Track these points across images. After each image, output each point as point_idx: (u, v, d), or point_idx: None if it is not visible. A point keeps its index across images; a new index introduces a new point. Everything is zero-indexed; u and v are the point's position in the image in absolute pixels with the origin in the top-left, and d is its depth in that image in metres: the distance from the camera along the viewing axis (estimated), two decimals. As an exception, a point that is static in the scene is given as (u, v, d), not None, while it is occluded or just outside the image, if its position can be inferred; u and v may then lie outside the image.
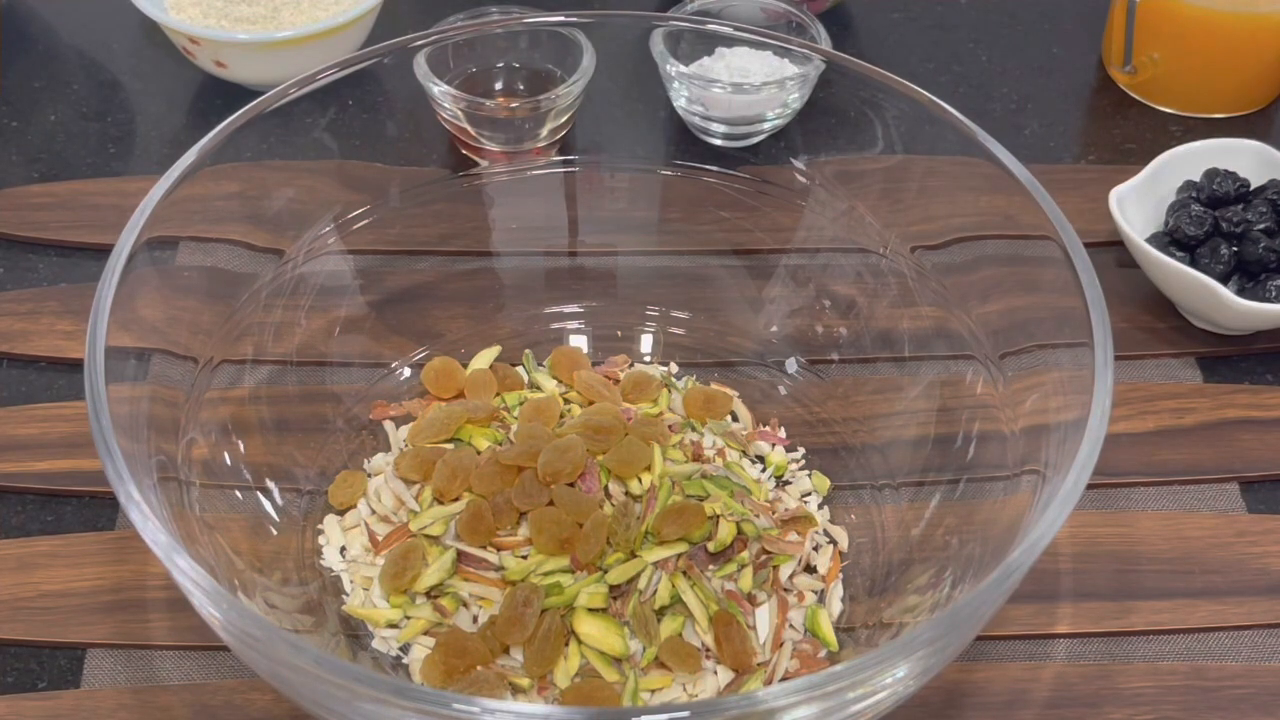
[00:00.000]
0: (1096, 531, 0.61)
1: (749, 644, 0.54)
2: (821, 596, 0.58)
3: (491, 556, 0.57)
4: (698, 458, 0.61)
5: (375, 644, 0.56)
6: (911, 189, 0.63)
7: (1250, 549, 0.60)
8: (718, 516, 0.57)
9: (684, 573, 0.56)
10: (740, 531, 0.57)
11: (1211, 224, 0.68)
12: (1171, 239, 0.69)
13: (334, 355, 0.64)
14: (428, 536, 0.58)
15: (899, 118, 0.61)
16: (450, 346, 0.66)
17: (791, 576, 0.58)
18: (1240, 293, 0.66)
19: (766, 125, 0.74)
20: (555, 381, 0.65)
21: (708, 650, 0.55)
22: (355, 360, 0.65)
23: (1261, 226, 0.68)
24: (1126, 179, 0.70)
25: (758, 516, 0.58)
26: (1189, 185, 0.71)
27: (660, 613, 0.55)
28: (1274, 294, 0.66)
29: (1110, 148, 0.80)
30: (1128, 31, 0.80)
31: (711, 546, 0.57)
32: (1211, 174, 0.70)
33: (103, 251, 0.52)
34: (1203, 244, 0.68)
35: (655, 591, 0.55)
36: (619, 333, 0.68)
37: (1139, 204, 0.70)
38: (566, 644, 0.54)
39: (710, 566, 0.56)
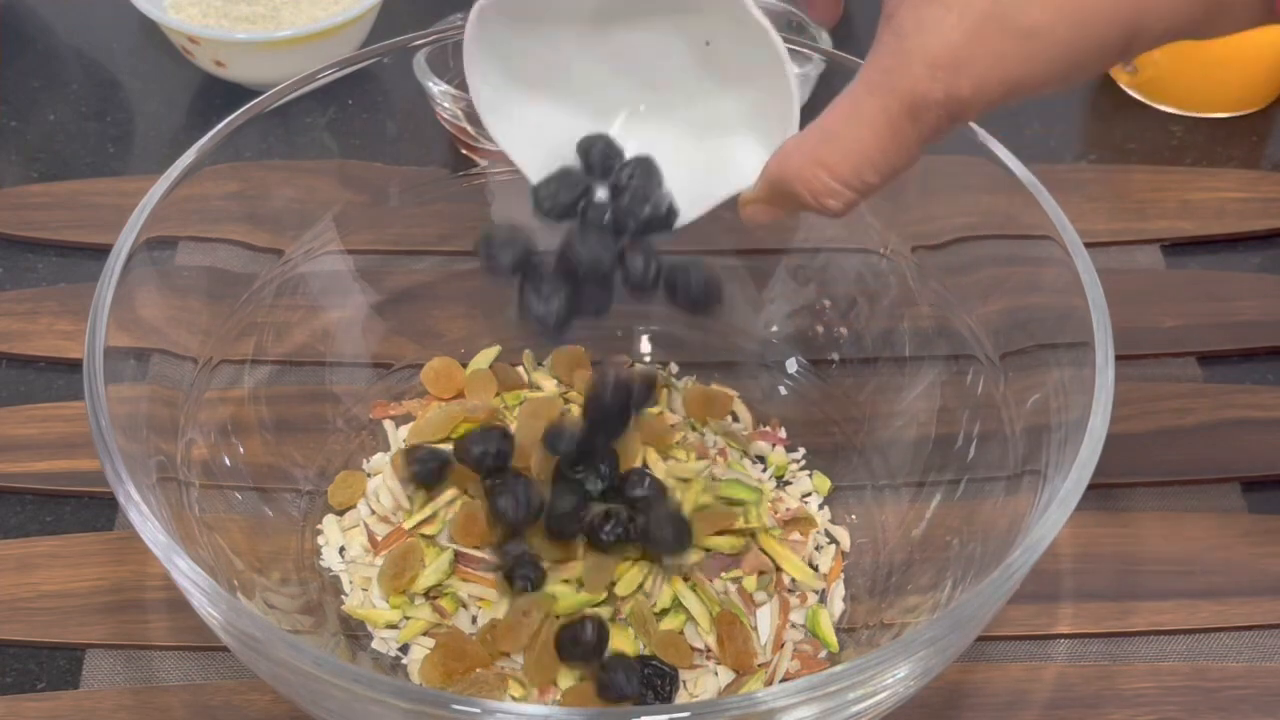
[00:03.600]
0: (1097, 532, 0.61)
1: (750, 645, 0.54)
2: (823, 596, 0.58)
3: (488, 556, 0.57)
4: (701, 458, 0.61)
5: (375, 644, 0.56)
6: (912, 189, 0.63)
7: (1252, 549, 0.60)
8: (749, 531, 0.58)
9: (684, 577, 0.56)
10: (753, 535, 0.58)
11: None
12: None
13: (334, 355, 0.64)
14: (424, 536, 0.58)
15: (899, 117, 0.61)
16: (450, 346, 0.66)
17: (794, 578, 0.58)
18: None
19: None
20: (555, 381, 0.65)
21: (708, 651, 0.55)
22: (355, 360, 0.65)
23: None
24: (1127, 178, 0.70)
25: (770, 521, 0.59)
26: None
27: (661, 614, 0.55)
28: None
29: (1111, 148, 0.80)
30: (1128, 31, 0.80)
31: (726, 549, 0.57)
32: None
33: (102, 251, 0.51)
34: None
35: (657, 594, 0.56)
36: (619, 333, 0.68)
37: None
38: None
39: (721, 572, 0.56)
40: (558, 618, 0.54)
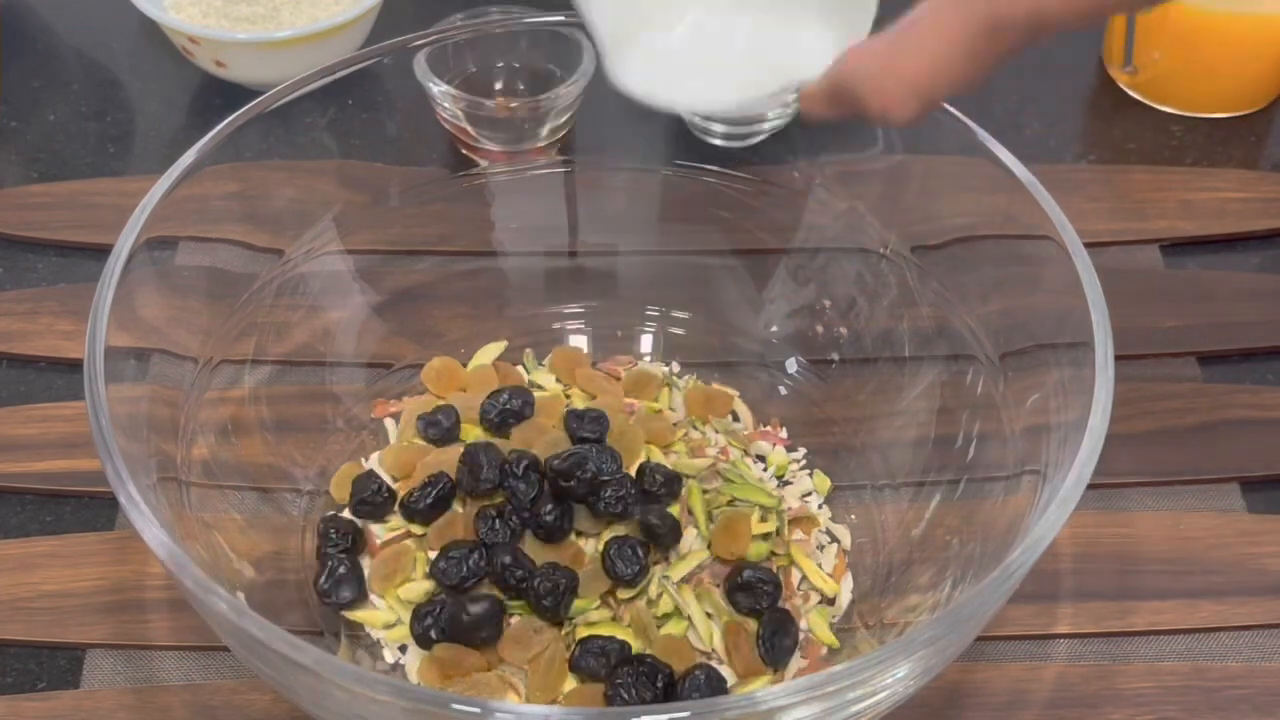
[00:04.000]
0: (1097, 532, 0.61)
1: (758, 651, 0.54)
2: (827, 596, 0.58)
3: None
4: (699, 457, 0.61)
5: (374, 644, 0.56)
6: (912, 189, 0.63)
7: (1251, 549, 0.60)
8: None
9: (686, 581, 0.56)
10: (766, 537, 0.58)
11: None
12: None
13: (334, 355, 0.64)
14: (415, 537, 0.58)
15: (899, 117, 0.61)
16: (450, 346, 0.66)
17: (801, 580, 0.58)
18: None
19: (767, 125, 0.73)
20: (556, 380, 0.65)
21: (708, 655, 0.55)
22: (355, 360, 0.65)
23: None
24: (1127, 178, 0.69)
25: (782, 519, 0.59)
26: None
27: (664, 618, 0.55)
28: None
29: (1110, 148, 0.80)
30: (1128, 31, 0.80)
31: (753, 556, 0.57)
32: None
33: (102, 251, 0.52)
34: None
35: (659, 598, 0.56)
36: (619, 333, 0.68)
37: None
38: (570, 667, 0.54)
39: (733, 579, 0.56)
40: (575, 642, 0.54)
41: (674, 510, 0.58)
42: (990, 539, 0.52)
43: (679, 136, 0.75)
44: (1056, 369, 0.52)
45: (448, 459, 0.59)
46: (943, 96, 0.46)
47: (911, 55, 0.44)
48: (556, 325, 0.68)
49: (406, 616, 0.55)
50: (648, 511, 0.56)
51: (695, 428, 0.63)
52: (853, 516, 0.61)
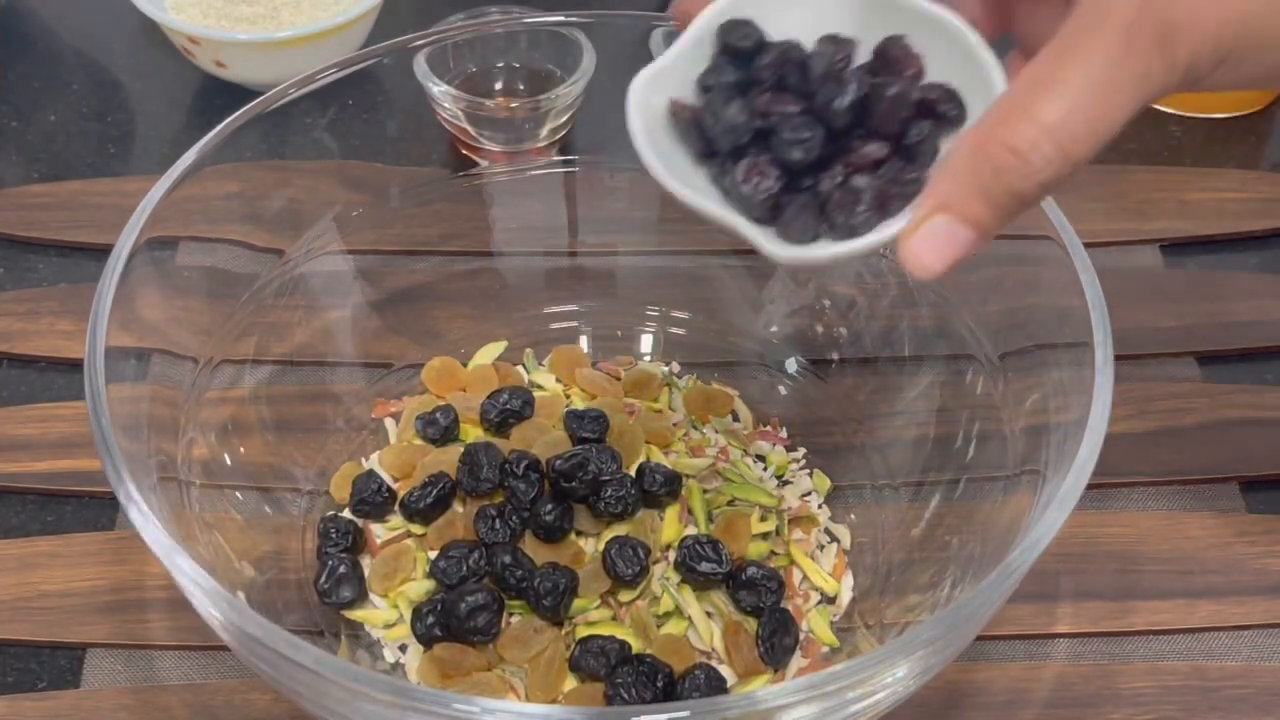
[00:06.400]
0: (1096, 531, 0.61)
1: (759, 651, 0.54)
2: (828, 595, 0.58)
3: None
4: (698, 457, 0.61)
5: (374, 644, 0.56)
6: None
7: (1250, 549, 0.60)
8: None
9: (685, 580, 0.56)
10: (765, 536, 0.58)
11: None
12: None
13: (334, 355, 0.64)
14: (415, 537, 0.58)
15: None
16: (450, 346, 0.66)
17: (802, 580, 0.58)
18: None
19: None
20: (556, 380, 0.65)
21: (708, 654, 0.55)
22: (355, 360, 0.65)
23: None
24: (1127, 178, 0.69)
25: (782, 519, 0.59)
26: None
27: (664, 618, 0.55)
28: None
29: (1110, 148, 0.79)
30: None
31: (755, 556, 0.57)
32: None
33: (103, 251, 0.52)
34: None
35: (659, 598, 0.56)
36: (619, 332, 0.68)
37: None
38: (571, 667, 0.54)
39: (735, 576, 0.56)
40: (575, 642, 0.54)
41: (674, 510, 0.58)
42: (990, 539, 0.52)
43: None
44: (1056, 369, 0.52)
45: (448, 459, 0.59)
46: (1084, 147, 0.38)
47: (1044, 93, 0.37)
48: (556, 325, 0.68)
49: (407, 616, 0.55)
50: None
51: (695, 428, 0.63)
52: (853, 516, 0.61)
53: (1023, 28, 0.46)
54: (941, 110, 0.42)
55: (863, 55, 0.44)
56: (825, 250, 0.42)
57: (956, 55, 0.43)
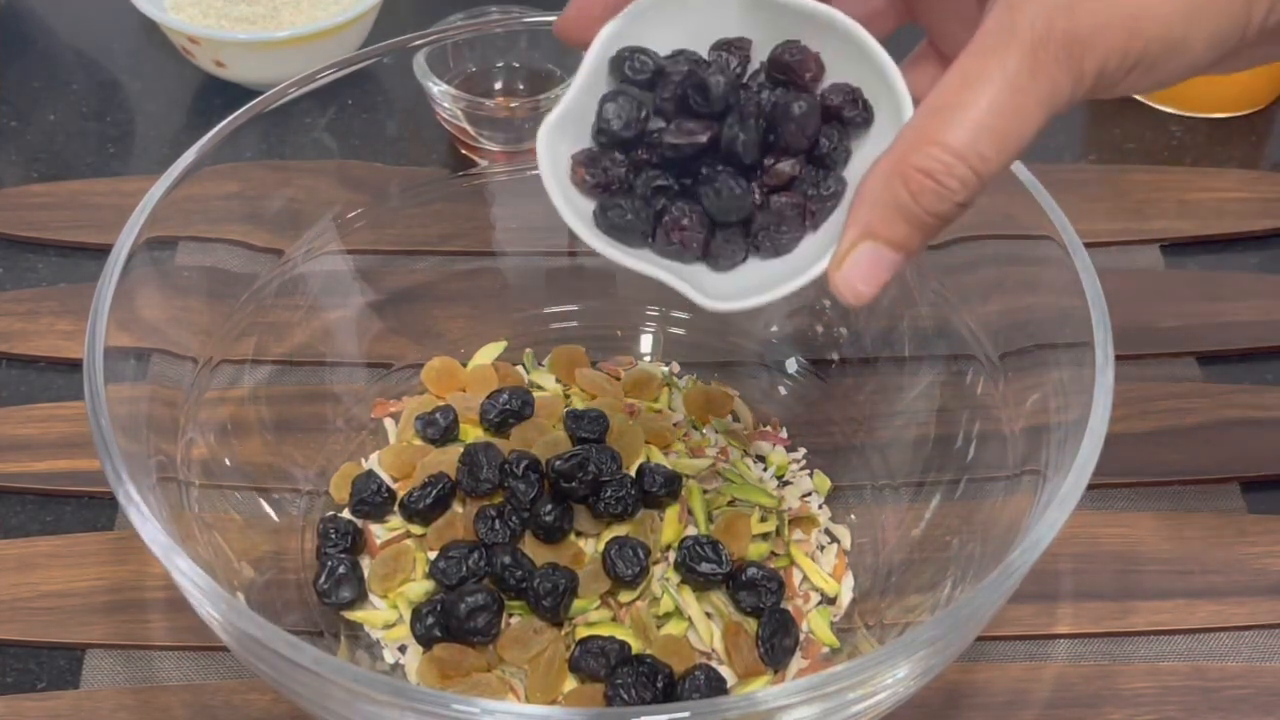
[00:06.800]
0: (1097, 531, 0.61)
1: (759, 652, 0.54)
2: (828, 596, 0.58)
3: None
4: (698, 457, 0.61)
5: (374, 644, 0.56)
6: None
7: (1251, 549, 0.60)
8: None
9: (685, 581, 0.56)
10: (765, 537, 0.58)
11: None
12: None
13: (333, 355, 0.64)
14: (415, 537, 0.58)
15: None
16: (450, 346, 0.66)
17: (802, 581, 0.58)
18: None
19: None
20: (556, 380, 0.65)
21: (708, 655, 0.55)
22: (355, 360, 0.65)
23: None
24: (1127, 178, 0.69)
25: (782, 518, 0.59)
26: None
27: (664, 618, 0.55)
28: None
29: (1110, 148, 0.80)
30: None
31: (755, 556, 0.57)
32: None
33: (102, 251, 0.51)
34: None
35: (659, 599, 0.56)
36: (619, 332, 0.68)
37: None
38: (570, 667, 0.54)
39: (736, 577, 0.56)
40: (575, 642, 0.54)
41: (674, 510, 0.58)
42: (990, 539, 0.52)
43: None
44: (1056, 369, 0.52)
45: (447, 459, 0.59)
46: (993, 160, 0.38)
47: (945, 117, 0.38)
48: (556, 325, 0.68)
49: (406, 616, 0.55)
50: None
51: (695, 428, 0.63)
52: (853, 516, 0.61)
53: (926, 19, 0.47)
54: (848, 116, 0.43)
55: (759, 52, 0.44)
56: (756, 299, 0.44)
57: (853, 52, 0.43)
